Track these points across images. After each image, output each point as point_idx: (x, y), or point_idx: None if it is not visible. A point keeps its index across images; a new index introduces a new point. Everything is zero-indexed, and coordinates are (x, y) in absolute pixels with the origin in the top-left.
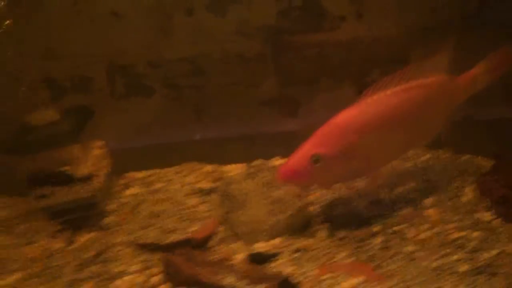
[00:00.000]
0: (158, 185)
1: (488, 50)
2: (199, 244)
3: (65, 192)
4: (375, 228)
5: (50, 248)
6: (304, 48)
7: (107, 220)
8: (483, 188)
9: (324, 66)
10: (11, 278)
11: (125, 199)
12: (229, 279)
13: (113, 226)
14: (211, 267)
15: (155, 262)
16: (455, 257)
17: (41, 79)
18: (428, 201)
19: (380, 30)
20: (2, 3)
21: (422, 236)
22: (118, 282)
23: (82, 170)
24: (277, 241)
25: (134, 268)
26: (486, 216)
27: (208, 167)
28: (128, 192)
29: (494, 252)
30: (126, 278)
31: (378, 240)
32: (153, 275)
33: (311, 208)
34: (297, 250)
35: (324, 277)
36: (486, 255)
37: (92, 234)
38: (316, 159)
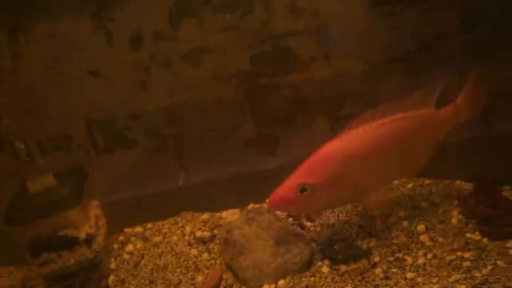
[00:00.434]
0: (157, 238)
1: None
2: None
3: (69, 255)
4: (375, 259)
5: None
6: (278, 89)
7: (110, 280)
8: (467, 210)
9: (297, 104)
10: None
11: (126, 256)
12: None
13: (117, 285)
14: None
15: None
16: (453, 278)
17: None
18: (420, 227)
19: (346, 67)
20: None
21: (420, 261)
22: None
23: (84, 231)
24: (282, 282)
25: None
26: (475, 236)
27: (205, 216)
28: (128, 248)
29: (488, 268)
30: None
31: (379, 270)
32: None
33: (313, 245)
34: None
35: None
36: (481, 272)
37: None
38: (302, 188)
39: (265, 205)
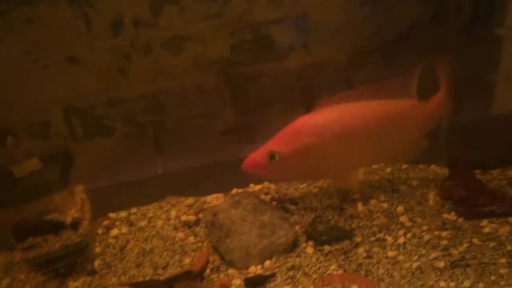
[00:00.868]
0: (142, 223)
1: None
2: (197, 275)
3: (55, 240)
4: (357, 239)
5: None
6: (258, 77)
7: (95, 264)
8: (443, 192)
9: (276, 93)
10: None
11: (111, 240)
12: None
13: (103, 268)
14: None
15: None
16: (432, 255)
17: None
18: (400, 209)
19: (326, 55)
20: None
21: (400, 241)
22: None
23: (71, 215)
24: (268, 263)
25: None
26: (451, 216)
27: (189, 200)
28: (113, 233)
29: (464, 246)
30: None
31: (361, 249)
32: None
33: (297, 228)
34: (291, 269)
35: None
36: (458, 249)
37: (82, 280)
38: (272, 155)
39: (249, 189)
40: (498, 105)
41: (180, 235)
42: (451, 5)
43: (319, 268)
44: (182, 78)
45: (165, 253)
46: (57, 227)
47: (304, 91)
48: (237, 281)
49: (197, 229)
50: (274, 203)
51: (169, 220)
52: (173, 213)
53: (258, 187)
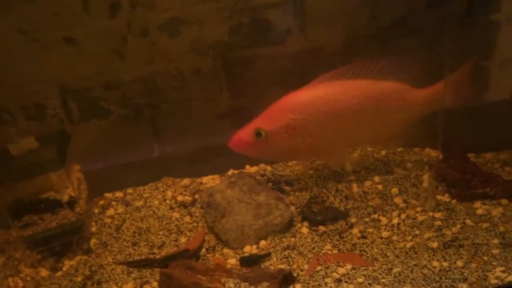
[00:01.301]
0: (138, 203)
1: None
2: (193, 254)
3: (52, 218)
4: (352, 220)
5: (36, 277)
6: (254, 61)
7: (91, 243)
8: (437, 174)
9: (273, 76)
10: None
11: (107, 220)
12: (231, 283)
13: (98, 248)
14: (211, 274)
15: (149, 277)
16: (425, 236)
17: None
18: (394, 190)
19: (322, 40)
20: None
21: (394, 221)
22: None
23: (67, 194)
24: (264, 243)
25: (130, 286)
26: (445, 198)
27: (185, 181)
28: (109, 212)
29: (457, 227)
30: None
31: (356, 230)
32: None
33: (292, 208)
34: (286, 248)
35: (318, 268)
36: (451, 230)
37: (78, 258)
38: (258, 133)
39: (245, 171)
40: (493, 91)
41: (176, 215)
42: None
43: (314, 248)
44: (179, 61)
45: (161, 232)
46: (53, 206)
47: (300, 76)
48: (233, 261)
49: (193, 209)
50: (270, 184)
51: (165, 200)
52: (169, 193)
53: (254, 168)
